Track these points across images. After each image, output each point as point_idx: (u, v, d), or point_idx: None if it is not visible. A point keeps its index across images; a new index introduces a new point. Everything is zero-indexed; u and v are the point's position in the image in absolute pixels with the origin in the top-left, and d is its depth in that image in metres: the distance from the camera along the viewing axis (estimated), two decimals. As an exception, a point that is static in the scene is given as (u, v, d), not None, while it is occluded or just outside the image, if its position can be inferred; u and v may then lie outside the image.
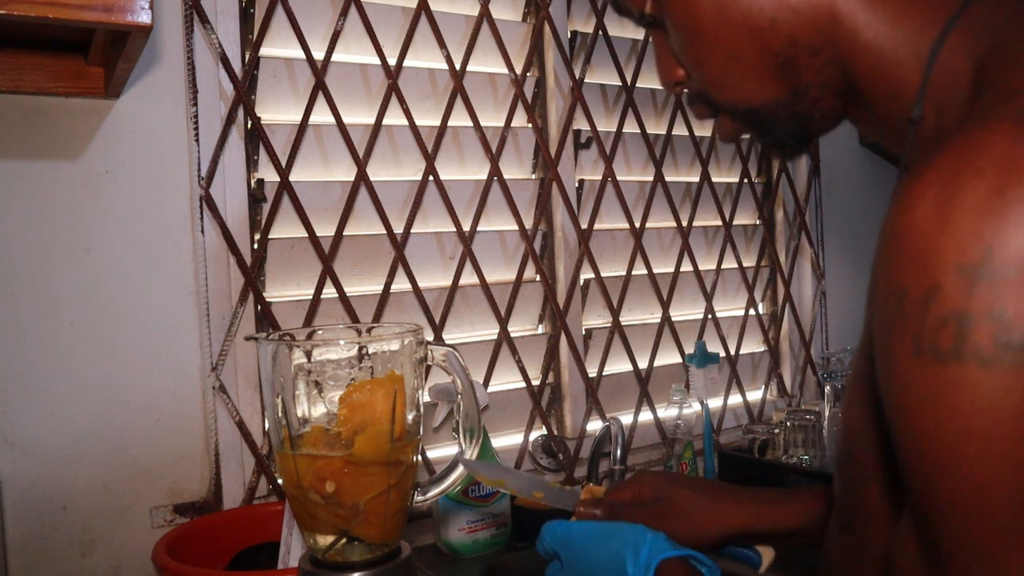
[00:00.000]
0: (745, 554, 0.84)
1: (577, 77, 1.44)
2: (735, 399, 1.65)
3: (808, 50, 0.56)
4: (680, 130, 1.60)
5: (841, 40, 0.56)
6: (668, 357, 1.56)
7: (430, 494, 0.79)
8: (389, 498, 0.73)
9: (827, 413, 1.47)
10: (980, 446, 0.40)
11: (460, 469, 0.79)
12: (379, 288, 1.25)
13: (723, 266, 1.65)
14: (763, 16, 0.56)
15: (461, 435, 0.78)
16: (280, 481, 0.99)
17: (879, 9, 0.54)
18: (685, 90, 0.66)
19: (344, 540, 0.73)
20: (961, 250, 0.39)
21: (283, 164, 1.16)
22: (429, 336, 1.27)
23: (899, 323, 0.42)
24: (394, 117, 1.26)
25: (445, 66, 1.30)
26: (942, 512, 0.42)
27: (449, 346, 0.77)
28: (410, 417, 0.74)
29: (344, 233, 1.21)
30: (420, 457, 0.93)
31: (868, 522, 0.58)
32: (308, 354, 0.74)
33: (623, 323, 1.49)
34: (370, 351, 0.74)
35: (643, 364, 1.51)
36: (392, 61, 1.25)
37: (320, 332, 0.84)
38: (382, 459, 0.71)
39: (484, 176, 1.35)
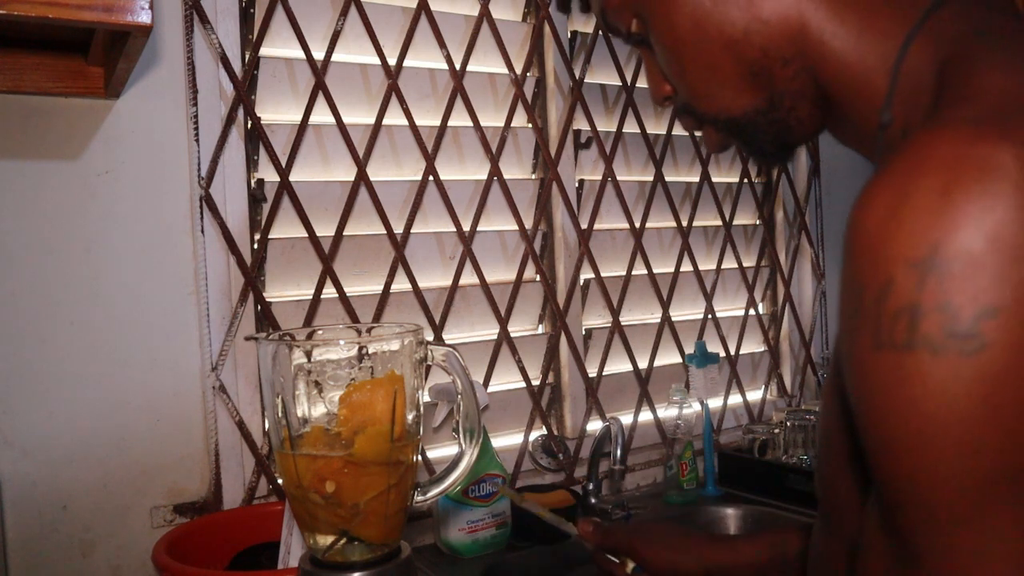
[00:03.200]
0: None
1: (577, 77, 1.44)
2: (735, 399, 1.65)
3: (780, 60, 0.59)
4: (680, 130, 1.60)
5: (810, 50, 0.58)
6: (668, 357, 1.56)
7: (430, 494, 0.79)
8: (389, 498, 0.73)
9: (827, 413, 1.47)
10: (934, 432, 0.42)
11: (460, 469, 0.78)
12: (379, 288, 1.25)
13: (723, 266, 1.65)
14: (736, 28, 0.59)
15: (461, 435, 0.78)
16: (280, 481, 0.99)
17: (845, 20, 0.57)
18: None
19: (344, 540, 0.73)
20: (911, 247, 0.42)
21: (283, 164, 1.16)
22: (429, 336, 1.27)
23: (859, 317, 0.44)
24: (394, 117, 1.26)
25: (445, 66, 1.30)
26: (901, 497, 0.44)
27: (449, 346, 0.77)
28: (410, 417, 0.74)
29: (344, 233, 1.21)
30: (420, 457, 0.93)
31: (842, 514, 0.61)
32: (308, 354, 0.74)
33: (623, 323, 1.49)
34: (370, 351, 0.74)
35: (643, 364, 1.51)
36: (392, 61, 1.25)
37: (320, 332, 0.84)
38: (382, 459, 0.71)
39: (484, 176, 1.35)
